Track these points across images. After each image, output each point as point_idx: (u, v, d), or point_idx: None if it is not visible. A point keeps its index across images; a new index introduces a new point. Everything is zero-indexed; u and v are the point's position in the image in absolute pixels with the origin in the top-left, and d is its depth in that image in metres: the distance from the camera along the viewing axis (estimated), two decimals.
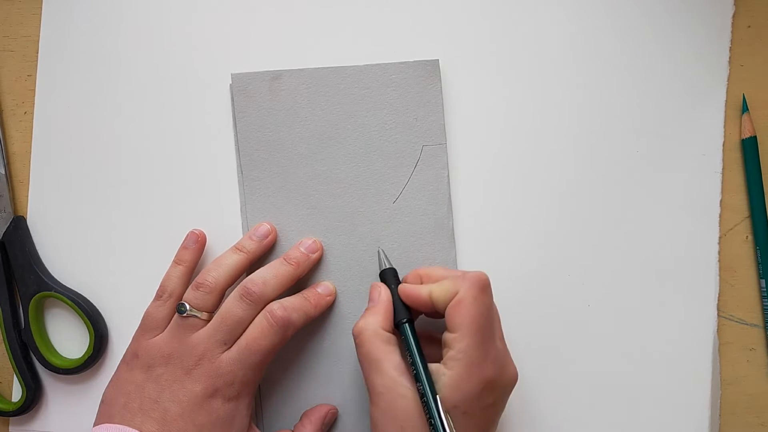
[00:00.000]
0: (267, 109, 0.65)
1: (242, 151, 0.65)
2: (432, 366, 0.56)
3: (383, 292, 0.61)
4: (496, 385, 0.56)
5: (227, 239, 0.65)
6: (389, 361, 0.57)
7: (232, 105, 0.66)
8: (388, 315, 0.59)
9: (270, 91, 0.65)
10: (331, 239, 0.65)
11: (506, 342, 0.59)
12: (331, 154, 0.65)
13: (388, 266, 0.63)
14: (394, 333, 0.59)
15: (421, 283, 0.60)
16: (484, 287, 0.56)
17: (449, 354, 0.55)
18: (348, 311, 0.65)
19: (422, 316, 0.62)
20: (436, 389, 0.55)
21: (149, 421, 0.57)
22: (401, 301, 0.60)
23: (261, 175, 0.65)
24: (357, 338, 0.59)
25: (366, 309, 0.61)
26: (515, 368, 0.58)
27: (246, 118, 0.65)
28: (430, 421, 0.54)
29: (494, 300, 0.58)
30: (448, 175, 0.65)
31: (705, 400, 0.65)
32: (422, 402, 0.54)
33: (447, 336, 0.56)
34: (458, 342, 0.55)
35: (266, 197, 0.65)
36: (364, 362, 0.58)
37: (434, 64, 0.66)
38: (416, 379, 0.55)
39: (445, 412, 0.54)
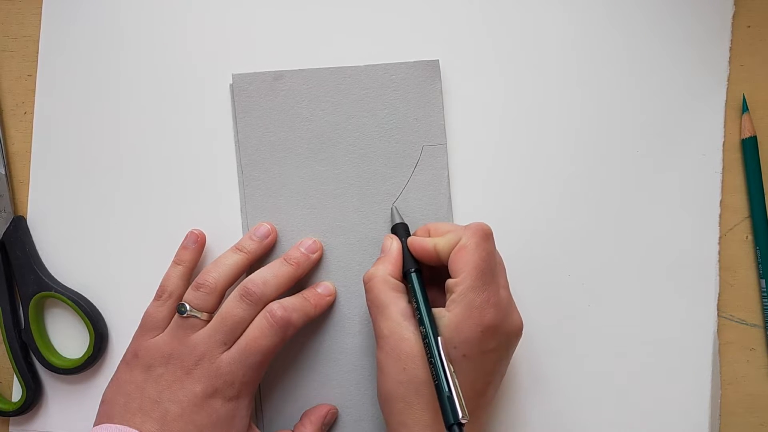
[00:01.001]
0: (267, 110, 0.65)
1: (242, 151, 0.65)
2: (435, 310, 0.57)
3: (394, 243, 0.62)
4: (497, 330, 0.56)
5: (227, 239, 0.65)
6: (395, 305, 0.58)
7: (233, 105, 0.66)
8: (397, 264, 0.61)
9: (271, 92, 0.65)
10: (331, 239, 0.65)
11: None
12: (331, 154, 0.65)
13: (399, 221, 0.64)
14: (402, 282, 0.60)
15: (429, 237, 0.61)
16: (485, 235, 0.58)
17: (450, 297, 0.57)
18: (348, 311, 0.65)
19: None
20: (437, 331, 0.56)
21: (149, 421, 0.57)
22: (410, 253, 0.61)
23: (261, 175, 0.65)
24: (366, 284, 0.60)
25: (377, 258, 0.62)
26: (520, 318, 0.59)
27: (246, 118, 0.65)
28: (431, 360, 0.55)
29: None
30: (449, 175, 0.66)
31: (705, 400, 0.65)
32: (424, 344, 0.56)
33: (449, 281, 0.57)
34: (458, 285, 0.56)
35: (266, 197, 0.65)
36: (372, 307, 0.59)
37: (434, 64, 0.66)
38: (419, 322, 0.57)
39: (445, 352, 0.55)
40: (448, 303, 0.57)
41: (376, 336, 0.59)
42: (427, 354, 0.55)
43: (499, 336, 0.57)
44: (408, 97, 0.65)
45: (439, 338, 0.55)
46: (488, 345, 0.56)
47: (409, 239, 0.61)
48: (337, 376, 0.65)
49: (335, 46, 0.67)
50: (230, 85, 0.66)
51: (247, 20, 0.67)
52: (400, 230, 0.63)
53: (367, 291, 0.60)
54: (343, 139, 0.65)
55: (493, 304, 0.56)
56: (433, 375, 0.54)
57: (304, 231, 0.65)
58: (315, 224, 0.65)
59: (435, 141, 0.65)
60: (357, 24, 0.67)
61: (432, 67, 0.66)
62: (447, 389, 0.53)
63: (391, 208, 0.65)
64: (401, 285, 0.60)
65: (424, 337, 0.56)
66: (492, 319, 0.56)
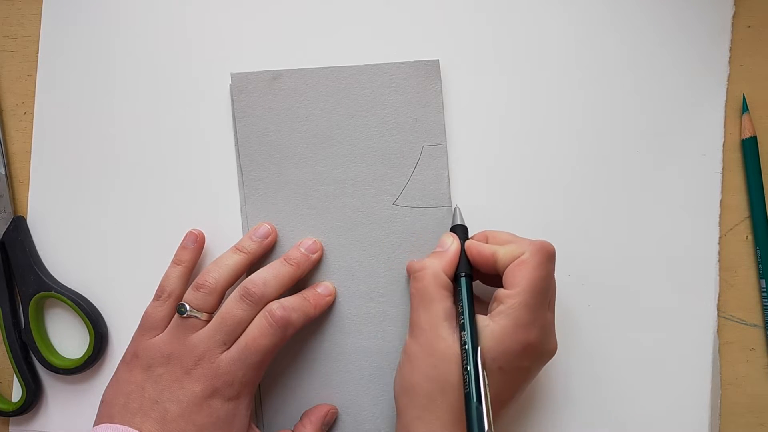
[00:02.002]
0: (267, 109, 0.65)
1: (242, 151, 0.65)
2: (479, 317, 0.57)
3: (454, 243, 0.61)
4: (536, 350, 0.57)
5: (227, 239, 0.65)
6: (441, 303, 0.58)
7: (232, 105, 0.66)
8: (452, 264, 0.60)
9: (270, 91, 0.65)
10: (331, 239, 0.65)
11: None
12: (331, 154, 0.65)
13: (461, 222, 0.63)
14: (452, 281, 0.60)
15: (486, 243, 0.61)
16: (549, 255, 0.58)
17: (498, 308, 0.56)
18: (348, 311, 0.65)
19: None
20: (478, 341, 0.56)
21: (149, 421, 0.57)
22: (466, 257, 0.61)
23: (261, 175, 0.65)
24: (416, 273, 0.60)
25: (432, 253, 0.62)
26: (556, 342, 0.59)
27: (246, 118, 0.65)
28: (466, 367, 0.54)
29: None
30: (449, 175, 0.65)
31: (705, 400, 0.65)
32: (462, 349, 0.56)
33: (501, 292, 0.57)
34: (511, 299, 0.56)
35: (266, 197, 0.65)
36: (417, 296, 0.59)
37: (434, 64, 0.66)
38: (461, 327, 0.57)
39: (483, 363, 0.54)
40: (494, 313, 0.57)
41: (413, 325, 0.59)
42: (462, 359, 0.55)
43: (536, 356, 0.57)
44: (408, 97, 0.65)
45: (479, 348, 0.55)
46: (524, 363, 0.56)
47: (468, 242, 0.61)
48: (337, 376, 0.65)
49: (335, 46, 0.67)
50: (229, 84, 0.66)
51: (246, 20, 0.67)
52: (459, 232, 0.63)
53: (415, 279, 0.60)
54: (343, 139, 0.65)
55: (539, 325, 0.56)
56: (465, 382, 0.54)
57: (304, 231, 0.65)
58: (315, 224, 0.65)
59: (435, 141, 0.65)
60: (357, 24, 0.67)
61: (432, 67, 0.66)
62: (477, 399, 0.53)
63: (454, 208, 0.65)
64: (450, 284, 0.60)
65: (464, 343, 0.56)
66: (535, 338, 0.56)
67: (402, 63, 0.65)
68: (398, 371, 0.59)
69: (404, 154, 0.65)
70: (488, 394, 0.54)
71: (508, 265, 0.58)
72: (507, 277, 0.57)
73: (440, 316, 0.57)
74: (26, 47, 0.68)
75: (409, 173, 0.65)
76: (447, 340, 0.57)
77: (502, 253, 0.58)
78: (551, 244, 0.58)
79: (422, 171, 0.65)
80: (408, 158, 0.65)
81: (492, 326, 0.56)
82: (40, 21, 0.68)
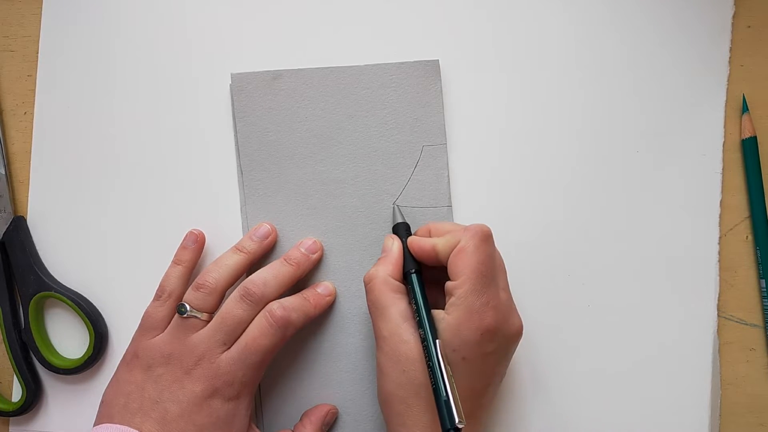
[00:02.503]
0: (267, 109, 0.65)
1: (242, 151, 0.65)
2: (434, 312, 0.57)
3: (395, 243, 0.62)
4: (497, 333, 0.56)
5: (227, 239, 0.65)
6: (395, 307, 0.58)
7: (232, 105, 0.66)
8: (398, 265, 0.60)
9: (270, 91, 0.65)
10: (331, 239, 0.65)
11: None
12: (331, 154, 0.65)
13: (401, 220, 0.64)
14: (402, 283, 0.60)
15: (430, 236, 0.61)
16: (485, 237, 0.58)
17: (450, 300, 0.57)
18: (348, 311, 0.65)
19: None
20: (436, 334, 0.56)
21: (149, 422, 0.57)
22: (410, 254, 0.61)
23: (261, 175, 0.65)
24: (367, 285, 0.60)
25: (378, 259, 0.62)
26: (520, 320, 0.59)
27: (246, 118, 0.65)
28: (429, 364, 0.55)
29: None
30: (449, 175, 0.66)
31: (705, 400, 0.65)
32: (423, 346, 0.56)
33: (448, 284, 0.57)
34: (458, 288, 0.56)
35: (266, 197, 0.65)
36: (372, 308, 0.59)
37: (434, 64, 0.66)
38: (419, 324, 0.57)
39: (443, 355, 0.54)
40: (447, 306, 0.57)
41: (376, 337, 0.59)
42: (425, 357, 0.55)
43: (499, 338, 0.57)
44: (408, 97, 0.65)
45: (437, 341, 0.55)
46: (488, 348, 0.56)
47: (409, 239, 0.61)
48: (337, 376, 0.65)
49: (335, 46, 0.67)
50: (229, 85, 0.66)
51: (246, 20, 0.67)
52: (401, 230, 0.63)
53: (367, 292, 0.60)
54: (343, 139, 0.65)
55: (492, 307, 0.56)
56: (431, 378, 0.54)
57: (304, 231, 0.65)
58: (315, 224, 0.65)
59: (435, 141, 0.65)
60: (357, 23, 0.67)
61: (432, 67, 0.66)
62: (444, 393, 0.53)
63: (393, 207, 0.65)
64: (401, 286, 0.60)
65: (423, 340, 0.56)
66: (491, 322, 0.56)
67: (402, 63, 0.65)
68: (377, 385, 0.60)
69: (404, 154, 0.65)
70: (454, 386, 0.54)
71: (448, 254, 0.58)
72: (450, 268, 0.57)
73: (398, 320, 0.58)
74: (26, 47, 0.68)
75: (409, 173, 0.65)
76: (409, 342, 0.57)
77: (441, 244, 0.59)
78: (486, 226, 0.58)
79: (422, 171, 0.65)
80: (408, 158, 0.65)
81: (447, 319, 0.56)
82: (40, 21, 0.68)
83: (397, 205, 0.65)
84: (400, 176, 0.65)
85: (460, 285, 0.56)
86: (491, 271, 0.57)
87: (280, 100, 0.65)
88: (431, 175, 0.65)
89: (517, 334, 0.59)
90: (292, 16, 0.67)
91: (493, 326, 0.56)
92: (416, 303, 0.58)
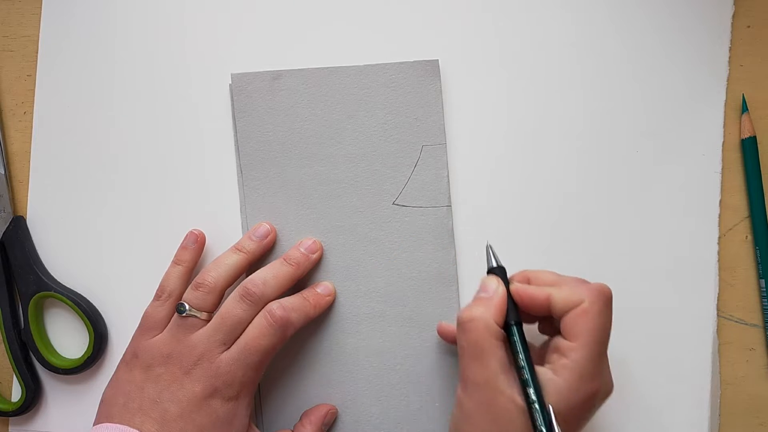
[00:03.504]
0: (267, 109, 0.65)
1: (242, 151, 0.65)
2: (539, 369, 0.54)
3: (500, 288, 0.57)
4: (599, 398, 0.55)
5: (227, 239, 0.65)
6: (495, 354, 0.54)
7: (232, 105, 0.66)
8: (501, 310, 0.56)
9: (270, 91, 0.65)
10: (331, 239, 0.65)
11: None
12: (330, 153, 0.65)
13: (498, 264, 0.59)
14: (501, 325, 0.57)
15: (529, 284, 0.58)
16: (608, 300, 0.55)
17: (561, 361, 0.54)
18: (348, 311, 0.65)
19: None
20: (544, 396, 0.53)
21: (149, 421, 0.57)
22: (514, 302, 0.57)
23: (261, 174, 0.65)
24: (465, 324, 0.56)
25: (477, 298, 0.58)
26: (612, 381, 0.57)
27: (246, 118, 0.65)
28: (539, 428, 0.52)
29: None
30: (448, 175, 0.65)
31: (705, 400, 0.65)
32: (530, 407, 0.53)
33: (561, 342, 0.54)
34: (574, 351, 0.53)
35: (266, 197, 0.65)
36: (469, 349, 0.55)
37: (434, 64, 0.65)
38: (524, 383, 0.54)
39: (558, 423, 0.52)
40: (557, 366, 0.54)
41: (465, 380, 0.56)
42: (533, 419, 0.52)
43: (598, 402, 0.55)
44: (407, 97, 0.65)
45: (551, 408, 0.52)
46: (588, 413, 0.55)
47: (516, 286, 0.57)
48: (337, 376, 0.65)
49: (334, 46, 0.67)
50: (229, 84, 0.66)
51: (246, 20, 0.67)
52: (499, 273, 0.59)
53: (464, 331, 0.56)
54: (343, 139, 0.65)
55: (602, 374, 0.55)
56: None
57: (304, 231, 0.65)
58: (315, 224, 0.65)
59: (434, 141, 0.65)
60: (356, 23, 0.67)
61: (431, 67, 0.65)
62: None
63: (486, 247, 0.61)
64: (503, 334, 0.56)
65: (532, 402, 0.53)
66: (599, 388, 0.54)
67: (401, 63, 0.65)
68: (452, 425, 0.57)
69: (404, 153, 0.65)
70: None
71: (565, 310, 0.55)
72: (567, 327, 0.54)
73: (497, 370, 0.54)
74: (26, 47, 0.68)
75: (409, 173, 0.65)
76: (506, 393, 0.53)
77: (559, 298, 0.55)
78: (608, 288, 0.56)
79: (422, 171, 0.65)
80: (408, 158, 0.65)
81: (556, 381, 0.53)
82: (40, 21, 0.68)
83: (491, 246, 0.60)
84: (399, 176, 0.65)
85: (577, 348, 0.53)
86: (607, 337, 0.55)
87: (280, 100, 0.65)
88: (431, 174, 0.65)
89: (609, 394, 0.57)
90: (292, 17, 0.67)
91: (600, 392, 0.54)
92: (522, 359, 0.54)
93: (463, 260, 0.66)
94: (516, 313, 0.57)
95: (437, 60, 0.66)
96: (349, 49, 0.67)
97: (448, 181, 0.65)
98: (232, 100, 0.66)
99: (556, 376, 0.53)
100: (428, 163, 0.65)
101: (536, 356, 0.57)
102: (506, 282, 0.58)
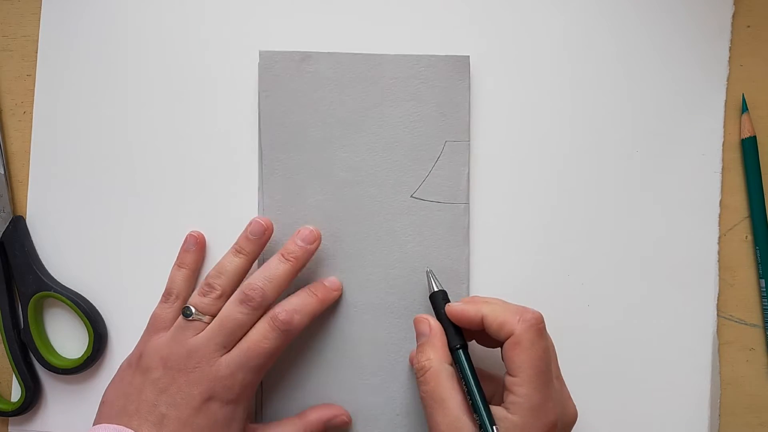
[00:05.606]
0: (293, 90, 0.65)
1: (263, 130, 0.65)
2: (494, 408, 0.55)
3: (432, 324, 0.59)
4: (558, 426, 0.55)
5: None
6: (453, 399, 0.56)
7: (259, 83, 0.65)
8: (444, 346, 0.58)
9: (297, 72, 0.65)
10: (346, 226, 0.65)
11: None
12: (353, 140, 0.65)
13: (438, 288, 0.61)
14: (449, 362, 0.58)
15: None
16: (539, 331, 0.56)
17: (510, 398, 0.54)
18: (356, 299, 0.65)
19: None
20: (494, 420, 0.54)
21: (146, 425, 0.57)
22: (452, 324, 0.59)
23: (281, 155, 0.65)
24: (421, 375, 0.57)
25: (420, 344, 0.59)
26: (575, 407, 0.58)
27: (271, 97, 0.65)
28: None
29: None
30: (468, 173, 0.66)
31: (705, 400, 0.66)
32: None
33: (508, 379, 0.55)
34: (518, 386, 0.54)
35: (284, 178, 0.65)
36: (429, 400, 0.56)
37: (464, 60, 0.65)
38: (475, 411, 0.55)
39: None
40: (508, 402, 0.55)
41: (431, 426, 0.56)
42: None
43: (559, 431, 0.56)
44: (435, 91, 0.65)
45: (495, 428, 0.54)
46: None
47: (449, 306, 0.59)
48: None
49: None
50: (258, 63, 0.66)
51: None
52: (439, 299, 0.61)
53: (422, 383, 0.57)
54: (367, 127, 0.65)
55: (553, 401, 0.55)
56: None
57: (318, 215, 0.65)
58: (330, 209, 0.65)
59: (458, 137, 0.65)
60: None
61: (462, 63, 0.66)
62: None
63: (427, 273, 0.63)
64: (454, 372, 0.57)
65: (480, 426, 0.54)
66: (555, 417, 0.54)
67: (432, 56, 0.65)
68: None
69: (426, 147, 0.65)
70: None
71: (498, 332, 0.56)
72: (507, 361, 0.55)
73: (457, 414, 0.55)
74: (25, 47, 0.68)
75: (430, 167, 0.65)
76: None
77: (491, 318, 0.57)
78: (539, 315, 0.56)
79: (443, 166, 0.65)
80: (430, 152, 0.65)
81: (511, 419, 0.54)
82: (40, 21, 0.68)
83: (431, 271, 0.63)
84: (420, 169, 0.65)
85: (520, 383, 0.54)
86: (548, 365, 0.55)
87: (307, 82, 0.65)
88: (451, 171, 0.65)
89: (573, 422, 0.58)
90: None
91: (556, 420, 0.55)
92: (469, 389, 0.56)
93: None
94: (458, 338, 0.58)
95: (468, 56, 0.66)
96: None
97: (468, 179, 0.65)
98: (259, 77, 0.65)
99: (510, 414, 0.54)
100: (450, 158, 0.65)
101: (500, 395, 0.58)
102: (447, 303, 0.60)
